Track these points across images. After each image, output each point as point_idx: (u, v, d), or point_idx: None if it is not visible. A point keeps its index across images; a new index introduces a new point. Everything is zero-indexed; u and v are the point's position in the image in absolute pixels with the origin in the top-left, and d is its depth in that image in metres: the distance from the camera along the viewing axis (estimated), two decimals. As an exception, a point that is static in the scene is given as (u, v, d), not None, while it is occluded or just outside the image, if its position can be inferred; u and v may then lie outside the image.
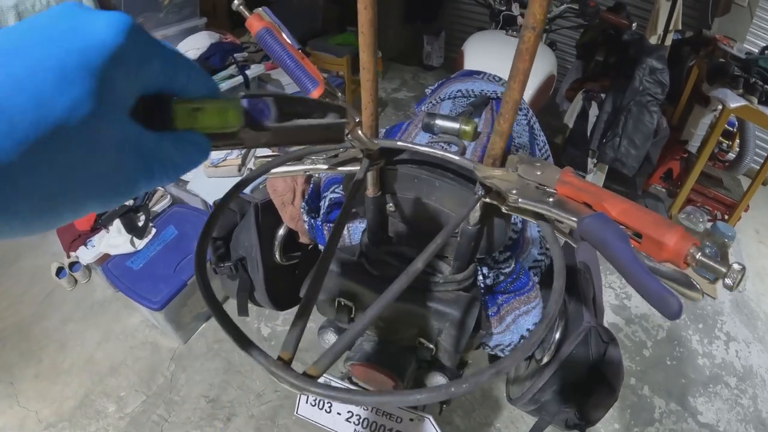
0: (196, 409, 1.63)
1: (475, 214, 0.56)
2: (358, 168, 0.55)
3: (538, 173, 0.47)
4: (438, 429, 0.76)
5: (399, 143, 0.56)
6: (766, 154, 2.60)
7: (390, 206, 0.66)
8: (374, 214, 0.66)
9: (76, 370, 1.72)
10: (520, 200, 0.43)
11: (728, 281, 0.36)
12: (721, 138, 3.01)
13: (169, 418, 1.60)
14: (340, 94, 0.51)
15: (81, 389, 1.67)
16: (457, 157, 0.53)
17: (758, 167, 2.49)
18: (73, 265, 2.00)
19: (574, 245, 0.50)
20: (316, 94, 0.48)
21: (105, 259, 1.73)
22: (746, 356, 2.05)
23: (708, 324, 2.17)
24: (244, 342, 0.35)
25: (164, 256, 1.75)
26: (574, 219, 0.41)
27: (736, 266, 0.35)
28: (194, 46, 2.06)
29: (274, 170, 0.54)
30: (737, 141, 2.92)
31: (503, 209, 0.52)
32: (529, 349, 0.34)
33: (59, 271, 1.99)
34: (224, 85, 2.08)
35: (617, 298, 2.23)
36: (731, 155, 3.09)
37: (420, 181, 0.60)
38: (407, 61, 4.27)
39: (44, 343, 1.81)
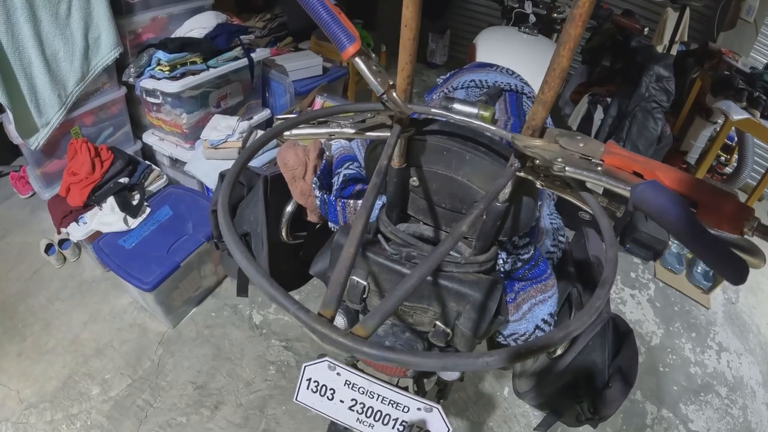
0: (182, 395, 1.59)
1: (506, 191, 0.54)
2: (386, 134, 0.52)
3: (581, 145, 0.45)
4: (446, 419, 0.73)
5: (433, 110, 0.53)
6: (763, 170, 2.63)
7: (414, 180, 0.63)
8: (396, 188, 0.63)
9: (61, 350, 1.67)
10: (567, 168, 0.41)
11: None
12: (719, 152, 3.05)
13: (154, 403, 1.56)
14: (374, 55, 0.48)
15: (65, 370, 1.61)
16: (494, 127, 0.51)
17: (755, 183, 2.51)
18: (62, 243, 1.94)
19: (611, 222, 0.48)
20: (351, 50, 0.45)
21: (96, 237, 1.68)
22: (737, 367, 2.06)
23: (701, 333, 2.17)
24: (277, 289, 0.31)
25: (158, 237, 1.70)
26: (627, 187, 0.39)
27: None
28: (200, 25, 2.01)
29: (298, 131, 0.51)
30: (735, 155, 2.95)
31: (538, 184, 0.50)
32: (594, 313, 0.32)
33: (48, 248, 1.93)
34: (228, 67, 2.04)
35: (612, 302, 2.22)
36: (729, 169, 3.12)
37: (450, 154, 0.57)
38: (411, 58, 4.25)
39: (29, 322, 1.75)
